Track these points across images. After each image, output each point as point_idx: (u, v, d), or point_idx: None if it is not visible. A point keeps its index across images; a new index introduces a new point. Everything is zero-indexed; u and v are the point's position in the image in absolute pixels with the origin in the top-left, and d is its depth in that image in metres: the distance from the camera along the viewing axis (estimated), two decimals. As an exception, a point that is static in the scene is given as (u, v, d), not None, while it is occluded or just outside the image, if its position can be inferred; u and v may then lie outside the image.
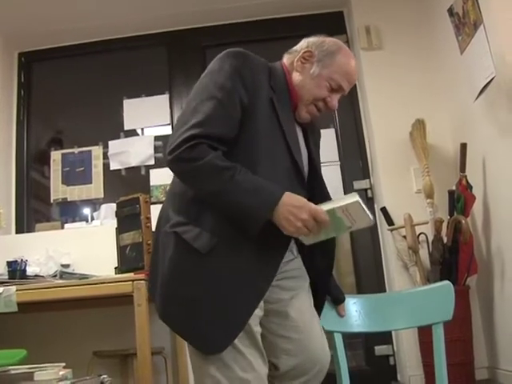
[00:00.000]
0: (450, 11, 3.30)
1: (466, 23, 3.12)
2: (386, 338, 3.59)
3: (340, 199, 1.58)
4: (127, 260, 2.77)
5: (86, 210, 4.12)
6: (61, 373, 1.97)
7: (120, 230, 2.85)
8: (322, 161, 1.96)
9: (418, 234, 3.36)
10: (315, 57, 1.81)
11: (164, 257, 1.67)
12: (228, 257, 1.60)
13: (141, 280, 2.47)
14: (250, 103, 1.66)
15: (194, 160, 1.56)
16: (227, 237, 1.61)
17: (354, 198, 1.55)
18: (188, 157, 1.57)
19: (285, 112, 1.76)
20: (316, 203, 1.61)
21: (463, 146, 3.21)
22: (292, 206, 1.55)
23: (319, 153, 1.99)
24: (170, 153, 1.60)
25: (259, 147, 1.66)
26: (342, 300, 1.94)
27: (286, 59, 1.89)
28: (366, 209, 1.56)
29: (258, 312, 1.66)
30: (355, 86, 3.97)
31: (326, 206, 1.58)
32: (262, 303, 1.67)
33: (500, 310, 3.08)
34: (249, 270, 1.62)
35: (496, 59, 2.82)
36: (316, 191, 1.82)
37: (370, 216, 1.58)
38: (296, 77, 1.82)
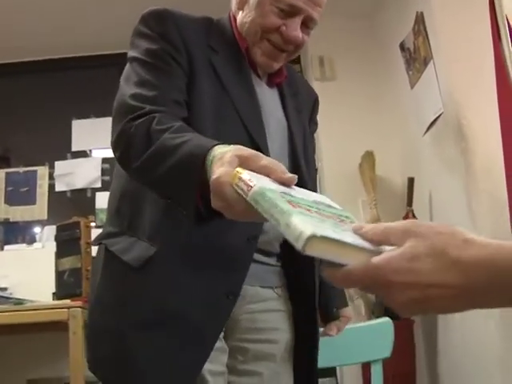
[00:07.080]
0: (402, 46, 3.34)
1: (416, 59, 3.17)
2: (329, 370, 3.54)
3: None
4: (65, 286, 2.68)
5: (29, 232, 4.00)
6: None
7: (59, 255, 2.75)
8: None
9: (364, 266, 3.34)
10: None
11: (93, 283, 1.34)
12: (167, 272, 1.21)
13: (77, 307, 2.36)
14: (188, 66, 1.30)
15: (127, 143, 1.20)
16: (168, 243, 1.21)
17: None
18: (124, 149, 1.23)
19: (235, 72, 1.37)
20: None
21: (410, 181, 3.23)
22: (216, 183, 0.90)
23: (304, 120, 1.54)
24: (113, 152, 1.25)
25: (205, 117, 1.28)
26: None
27: (232, 5, 1.48)
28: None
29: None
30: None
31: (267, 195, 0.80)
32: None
33: (443, 343, 3.08)
34: (197, 285, 1.21)
35: (444, 96, 2.86)
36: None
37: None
38: (238, 18, 1.42)
